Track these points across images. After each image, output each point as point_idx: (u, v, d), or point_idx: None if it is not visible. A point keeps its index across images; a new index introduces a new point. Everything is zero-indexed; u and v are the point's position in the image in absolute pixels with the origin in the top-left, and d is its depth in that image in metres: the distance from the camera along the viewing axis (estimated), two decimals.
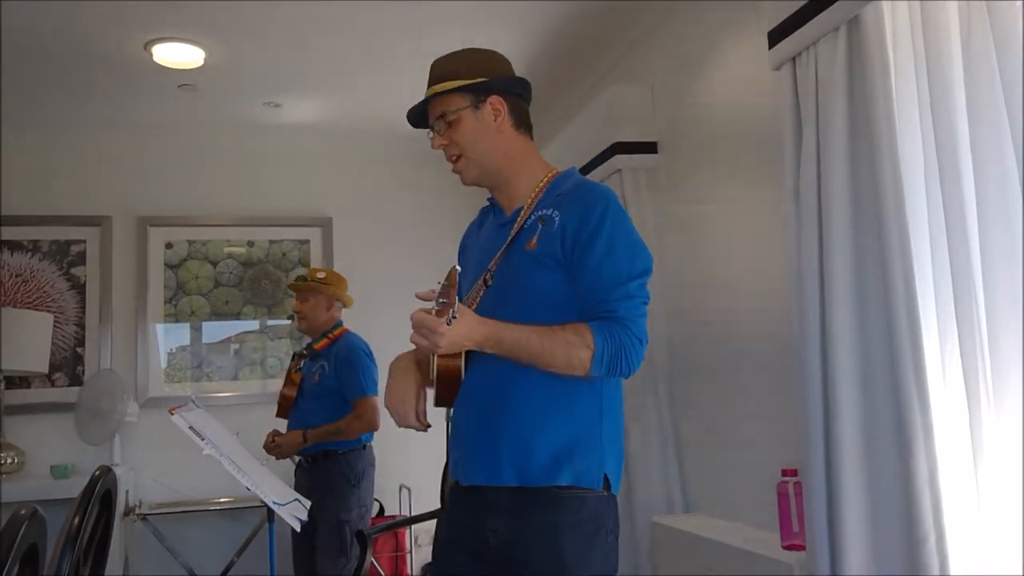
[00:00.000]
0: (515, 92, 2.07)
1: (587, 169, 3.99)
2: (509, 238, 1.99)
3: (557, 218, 1.93)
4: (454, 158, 2.05)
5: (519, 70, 2.07)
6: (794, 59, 2.53)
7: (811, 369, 2.37)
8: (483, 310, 1.91)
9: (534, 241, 1.93)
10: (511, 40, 4.14)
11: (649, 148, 3.83)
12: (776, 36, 2.59)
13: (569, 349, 1.81)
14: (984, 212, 1.99)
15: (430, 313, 1.72)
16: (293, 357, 4.35)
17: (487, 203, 2.18)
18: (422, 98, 2.05)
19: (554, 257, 1.90)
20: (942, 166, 2.09)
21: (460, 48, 2.09)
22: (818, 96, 2.40)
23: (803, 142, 2.45)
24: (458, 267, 1.79)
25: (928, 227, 2.19)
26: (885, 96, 2.22)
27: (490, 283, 2.00)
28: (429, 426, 1.97)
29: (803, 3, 2.44)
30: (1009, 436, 1.93)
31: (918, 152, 2.21)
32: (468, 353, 1.89)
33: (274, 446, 4.02)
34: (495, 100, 2.01)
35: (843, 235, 2.30)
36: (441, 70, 2.03)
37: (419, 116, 2.08)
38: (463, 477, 1.97)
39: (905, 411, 2.11)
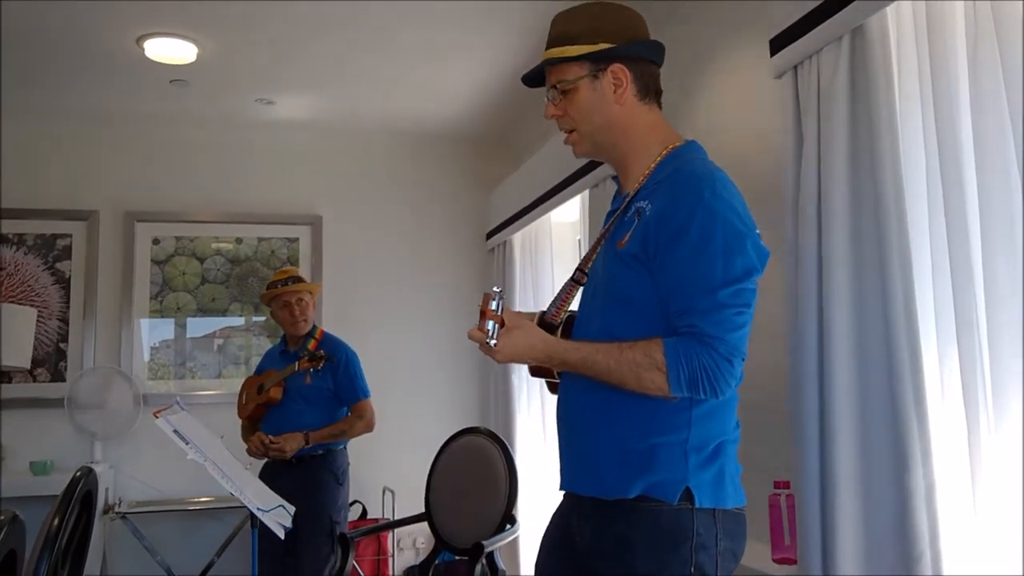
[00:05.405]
0: (643, 57, 1.82)
1: (580, 175, 3.93)
2: (604, 231, 1.84)
3: (648, 210, 1.71)
4: (566, 130, 1.86)
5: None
6: (796, 68, 2.49)
7: (807, 381, 2.34)
8: (581, 311, 1.85)
9: (626, 238, 1.73)
10: (508, 41, 4.10)
11: None
12: (778, 44, 2.56)
13: (639, 371, 1.64)
14: (987, 227, 1.96)
15: (481, 330, 1.66)
16: (275, 359, 4.14)
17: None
18: (540, 59, 1.83)
19: (638, 258, 1.71)
20: (945, 178, 2.07)
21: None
22: (819, 106, 2.37)
23: (804, 152, 2.42)
24: (495, 289, 1.66)
25: (929, 240, 2.16)
26: (888, 107, 2.20)
27: (583, 282, 1.86)
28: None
29: (806, 11, 2.41)
30: (1008, 455, 1.90)
31: (920, 164, 2.19)
32: None
33: (276, 447, 3.80)
34: (617, 69, 1.78)
35: (843, 248, 2.27)
36: (560, 29, 1.80)
37: (535, 76, 1.87)
38: (560, 483, 1.89)
39: (903, 426, 2.08)
